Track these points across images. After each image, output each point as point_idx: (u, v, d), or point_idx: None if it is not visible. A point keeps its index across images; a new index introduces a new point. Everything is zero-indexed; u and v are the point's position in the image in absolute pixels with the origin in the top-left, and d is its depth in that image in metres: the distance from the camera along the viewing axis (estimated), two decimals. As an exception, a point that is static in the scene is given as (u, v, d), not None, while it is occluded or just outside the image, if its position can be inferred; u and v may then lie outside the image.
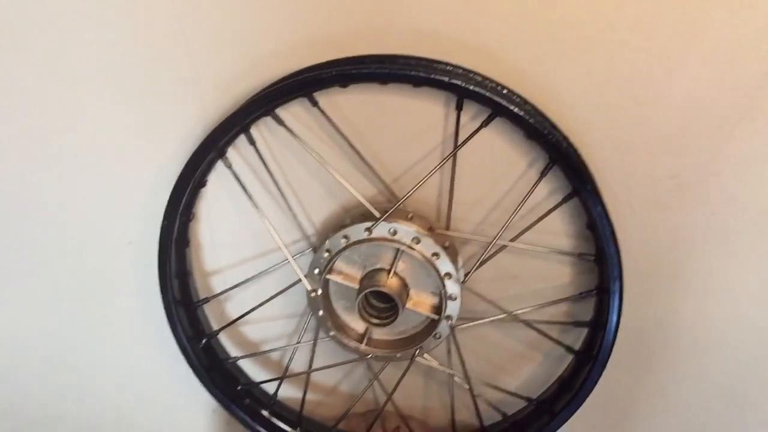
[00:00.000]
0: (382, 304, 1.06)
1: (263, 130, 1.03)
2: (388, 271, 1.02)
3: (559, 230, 1.05)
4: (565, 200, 1.00)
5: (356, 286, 1.03)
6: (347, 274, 1.04)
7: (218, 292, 1.14)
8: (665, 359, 1.14)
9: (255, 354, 1.18)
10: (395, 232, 0.99)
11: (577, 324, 1.07)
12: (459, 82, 0.91)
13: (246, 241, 1.13)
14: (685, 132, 0.97)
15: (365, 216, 1.00)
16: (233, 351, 1.21)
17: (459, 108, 0.96)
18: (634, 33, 0.89)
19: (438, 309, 1.03)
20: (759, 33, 0.87)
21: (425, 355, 1.08)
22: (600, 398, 1.10)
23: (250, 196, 1.04)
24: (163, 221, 1.04)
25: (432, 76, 0.90)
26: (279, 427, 1.17)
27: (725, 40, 0.88)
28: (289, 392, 1.24)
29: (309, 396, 1.19)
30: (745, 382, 1.15)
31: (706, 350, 1.12)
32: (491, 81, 0.93)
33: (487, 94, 0.91)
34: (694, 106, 0.94)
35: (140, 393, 1.31)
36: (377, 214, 0.99)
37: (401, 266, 1.02)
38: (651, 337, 1.12)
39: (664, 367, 1.15)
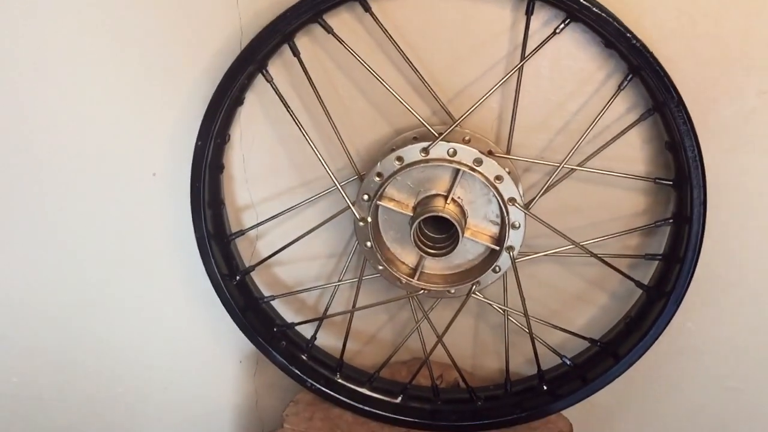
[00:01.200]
0: (436, 235, 0.97)
1: (307, 40, 0.93)
2: (445, 197, 0.92)
3: (633, 153, 0.95)
4: (644, 116, 0.90)
5: (410, 213, 0.93)
6: (399, 200, 0.95)
7: (250, 226, 1.04)
8: (740, 301, 1.05)
9: (293, 293, 1.09)
10: (455, 153, 0.90)
11: (650, 257, 0.98)
12: (533, -22, 0.80)
13: (284, 168, 1.04)
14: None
15: (418, 139, 0.91)
16: (266, 292, 1.11)
17: (529, 12, 0.87)
18: None
19: (498, 239, 0.94)
20: None
21: (480, 294, 0.99)
22: (669, 342, 1.02)
23: (292, 114, 0.94)
24: (197, 141, 0.94)
25: (503, -30, 0.80)
26: (318, 372, 1.08)
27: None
28: (326, 340, 1.16)
29: (348, 345, 1.09)
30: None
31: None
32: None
33: (565, -9, 0.81)
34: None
35: (167, 335, 1.23)
36: (435, 133, 0.90)
37: (458, 192, 0.93)
38: (724, 276, 1.02)
39: (739, 311, 1.06)
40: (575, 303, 1.08)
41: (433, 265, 0.99)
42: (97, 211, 1.12)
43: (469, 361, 1.17)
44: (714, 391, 1.17)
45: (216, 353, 1.24)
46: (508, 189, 0.91)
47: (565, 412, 1.08)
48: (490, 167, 0.90)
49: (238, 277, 1.05)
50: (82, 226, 1.12)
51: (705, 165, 0.89)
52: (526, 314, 1.00)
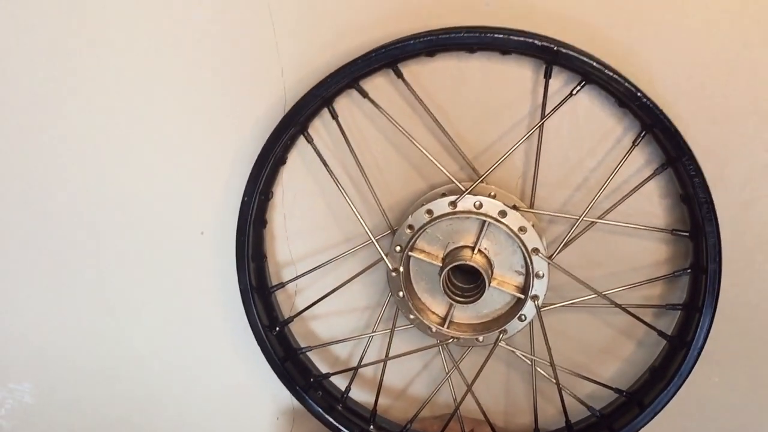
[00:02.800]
0: (465, 285, 1.02)
1: (345, 103, 1.02)
2: (472, 248, 0.98)
3: (650, 206, 1.01)
4: (658, 171, 0.96)
5: (439, 263, 0.99)
6: (429, 252, 1.01)
7: (290, 279, 1.11)
8: (760, 348, 1.07)
9: (331, 343, 1.14)
10: (481, 205, 0.96)
11: (671, 307, 1.02)
12: (550, 45, 0.89)
13: (323, 224, 1.11)
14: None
15: (446, 195, 0.98)
16: (303, 345, 1.16)
17: (548, 76, 0.95)
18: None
19: (523, 289, 0.99)
20: None
21: (507, 344, 1.03)
22: (693, 389, 1.04)
23: (330, 172, 1.02)
24: (243, 198, 1.02)
25: (522, 38, 0.89)
26: (353, 422, 1.12)
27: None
28: (360, 395, 1.20)
29: (381, 400, 1.14)
30: None
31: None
32: (580, 49, 0.91)
33: (579, 56, 0.89)
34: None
35: (207, 392, 1.28)
36: (462, 188, 0.97)
37: (485, 244, 0.99)
38: (748, 324, 1.05)
39: (761, 357, 1.08)
40: (602, 353, 1.12)
41: (462, 315, 1.04)
42: (147, 266, 1.19)
43: (501, 416, 1.19)
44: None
45: (254, 410, 1.28)
46: (531, 240, 0.97)
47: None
48: (515, 219, 0.96)
49: (277, 328, 1.11)
50: (134, 279, 1.20)
51: (720, 217, 0.94)
52: (552, 364, 1.04)
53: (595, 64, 0.89)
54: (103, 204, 1.16)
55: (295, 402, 1.24)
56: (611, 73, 0.89)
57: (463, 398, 1.08)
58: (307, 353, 1.15)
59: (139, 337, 1.26)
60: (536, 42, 0.89)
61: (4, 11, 1.03)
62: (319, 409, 1.11)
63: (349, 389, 1.14)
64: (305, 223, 1.12)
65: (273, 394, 1.27)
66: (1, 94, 1.09)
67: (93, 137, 1.11)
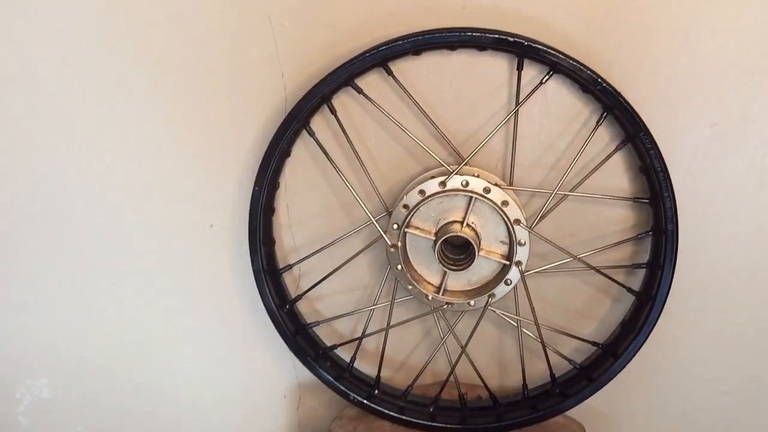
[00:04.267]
0: (456, 256, 1.15)
1: (342, 101, 1.15)
2: (461, 222, 1.12)
3: (615, 180, 1.15)
4: (620, 146, 1.11)
5: (432, 237, 1.12)
6: (423, 228, 1.14)
7: (296, 260, 1.23)
8: (721, 302, 1.22)
9: (337, 317, 1.26)
10: (467, 184, 1.10)
11: (636, 266, 1.16)
12: (521, 41, 1.03)
13: (325, 210, 1.23)
14: (721, 82, 1.08)
15: (436, 177, 1.12)
16: (309, 320, 1.28)
17: (520, 68, 1.09)
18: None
19: (508, 256, 1.13)
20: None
21: (495, 308, 1.16)
22: (662, 342, 1.19)
23: (331, 161, 1.15)
24: (254, 187, 1.14)
25: (496, 36, 1.03)
26: (359, 387, 1.24)
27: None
28: (363, 366, 1.32)
29: (382, 372, 1.27)
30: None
31: (762, 292, 1.21)
32: (547, 43, 1.05)
33: (546, 49, 1.03)
34: (726, 59, 1.07)
35: (219, 374, 1.39)
36: (449, 169, 1.10)
37: (472, 218, 1.12)
38: (704, 279, 1.20)
39: (722, 318, 1.24)
40: (581, 313, 1.25)
41: (455, 283, 1.17)
42: (160, 260, 1.30)
43: (496, 379, 1.32)
44: (710, 395, 1.32)
45: (263, 391, 1.40)
46: (513, 212, 1.11)
47: (579, 419, 1.23)
48: (498, 194, 1.10)
49: (287, 306, 1.23)
50: (148, 272, 1.30)
51: (674, 185, 1.08)
52: (536, 322, 1.17)
53: (560, 55, 1.03)
54: (118, 202, 1.25)
55: (301, 379, 1.36)
56: (575, 63, 1.04)
57: (458, 359, 1.20)
58: (314, 329, 1.26)
59: (153, 328, 1.35)
60: (508, 38, 1.03)
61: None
62: (330, 377, 1.23)
63: (354, 359, 1.26)
64: (307, 211, 1.23)
65: (279, 374, 1.37)
66: (15, 90, 1.18)
67: (108, 137, 1.20)
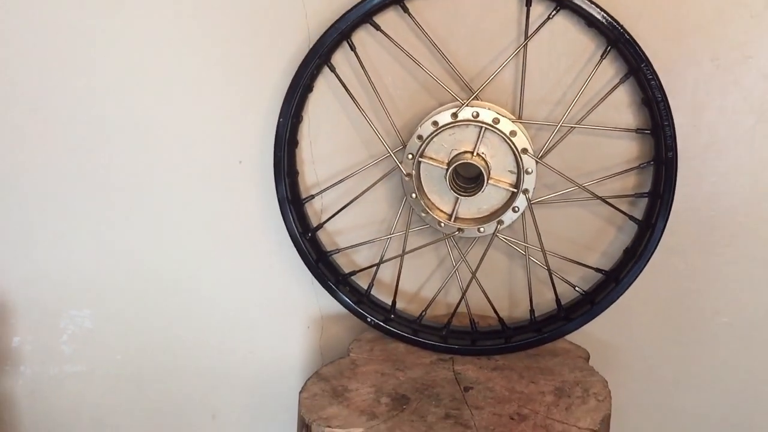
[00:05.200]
0: (467, 185, 1.23)
1: (361, 38, 1.23)
2: (472, 152, 1.19)
3: (618, 114, 1.22)
4: (623, 79, 1.17)
5: (445, 167, 1.20)
6: (436, 158, 1.22)
7: (318, 191, 1.32)
8: (720, 234, 1.29)
9: (356, 245, 1.34)
10: (477, 115, 1.17)
11: (638, 195, 1.23)
12: (529, -24, 1.10)
13: (344, 145, 1.31)
14: (721, 18, 1.14)
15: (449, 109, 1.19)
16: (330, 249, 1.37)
17: (528, 4, 1.15)
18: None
19: (516, 185, 1.20)
20: None
21: (505, 236, 1.24)
22: (661, 272, 1.26)
23: (351, 95, 1.23)
24: (279, 119, 1.23)
25: (506, -28, 1.10)
26: (377, 310, 1.33)
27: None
28: (379, 295, 1.40)
29: (398, 302, 1.35)
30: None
31: (758, 227, 1.27)
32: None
33: (553, -15, 1.10)
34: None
35: (248, 302, 1.48)
36: (460, 101, 1.17)
37: (482, 149, 1.20)
38: (703, 211, 1.26)
39: (722, 250, 1.30)
40: (587, 243, 1.31)
41: (465, 210, 1.25)
42: (193, 193, 1.39)
43: (506, 308, 1.38)
44: (710, 326, 1.38)
45: (288, 322, 1.48)
46: (521, 142, 1.18)
47: (585, 347, 1.31)
48: (506, 125, 1.17)
49: (309, 234, 1.32)
50: (181, 204, 1.40)
51: (675, 119, 1.14)
52: (542, 248, 1.24)
53: (565, -9, 1.10)
54: (154, 142, 1.35)
55: (323, 310, 1.45)
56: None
57: (468, 284, 1.28)
58: (335, 257, 1.35)
59: (187, 259, 1.44)
60: (517, -27, 1.10)
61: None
62: (349, 301, 1.31)
63: (372, 285, 1.34)
64: (329, 147, 1.32)
65: (304, 306, 1.46)
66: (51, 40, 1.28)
67: (138, 84, 1.31)
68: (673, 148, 1.15)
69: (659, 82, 1.12)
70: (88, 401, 1.55)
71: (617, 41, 1.12)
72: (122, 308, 1.50)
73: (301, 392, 1.17)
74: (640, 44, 1.12)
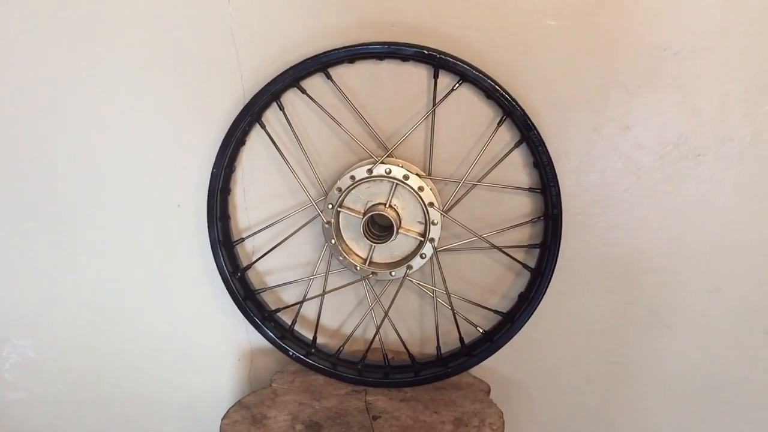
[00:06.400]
0: (381, 232, 1.37)
1: (289, 99, 1.37)
2: (385, 204, 1.34)
3: (515, 173, 1.37)
4: (517, 145, 1.34)
5: (361, 216, 1.34)
6: (353, 209, 1.36)
7: (249, 234, 1.45)
8: (605, 287, 1.45)
9: (282, 284, 1.46)
10: (390, 171, 1.32)
11: (531, 246, 1.39)
12: (435, 54, 1.26)
13: (274, 193, 1.44)
14: (603, 94, 1.32)
15: (365, 165, 1.33)
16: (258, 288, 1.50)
17: (436, 77, 1.32)
18: (559, 18, 1.26)
19: (424, 234, 1.35)
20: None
21: (414, 279, 1.38)
22: (555, 314, 1.42)
23: (279, 150, 1.37)
24: (213, 169, 1.36)
25: (415, 49, 1.26)
26: (299, 345, 1.46)
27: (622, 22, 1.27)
28: (302, 331, 1.53)
29: (319, 337, 1.48)
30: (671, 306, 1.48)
31: (636, 275, 1.44)
32: (456, 56, 1.28)
33: (455, 61, 1.26)
34: (607, 73, 1.30)
35: (181, 337, 1.60)
36: (375, 158, 1.33)
37: (395, 201, 1.35)
38: (590, 262, 1.43)
39: (606, 296, 1.46)
40: (489, 286, 1.46)
41: (379, 256, 1.39)
42: (133, 235, 1.51)
43: (417, 345, 1.53)
44: (601, 364, 1.54)
45: (219, 355, 1.60)
46: (428, 196, 1.33)
47: (487, 381, 1.45)
48: (415, 181, 1.32)
49: (239, 274, 1.45)
50: (122, 245, 1.52)
51: (561, 180, 1.31)
52: (446, 290, 1.39)
53: (467, 66, 1.26)
54: (99, 181, 1.47)
55: (253, 344, 1.57)
56: (478, 73, 1.27)
57: (381, 322, 1.42)
58: (261, 295, 1.48)
59: (125, 295, 1.56)
60: (424, 51, 1.26)
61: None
62: (274, 336, 1.44)
63: (295, 322, 1.47)
64: (260, 194, 1.45)
65: (235, 339, 1.57)
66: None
67: (89, 134, 1.43)
68: (558, 205, 1.31)
69: (545, 148, 1.28)
70: (29, 428, 1.65)
71: (511, 112, 1.29)
72: (64, 338, 1.61)
73: (223, 419, 1.29)
74: (530, 115, 1.28)
